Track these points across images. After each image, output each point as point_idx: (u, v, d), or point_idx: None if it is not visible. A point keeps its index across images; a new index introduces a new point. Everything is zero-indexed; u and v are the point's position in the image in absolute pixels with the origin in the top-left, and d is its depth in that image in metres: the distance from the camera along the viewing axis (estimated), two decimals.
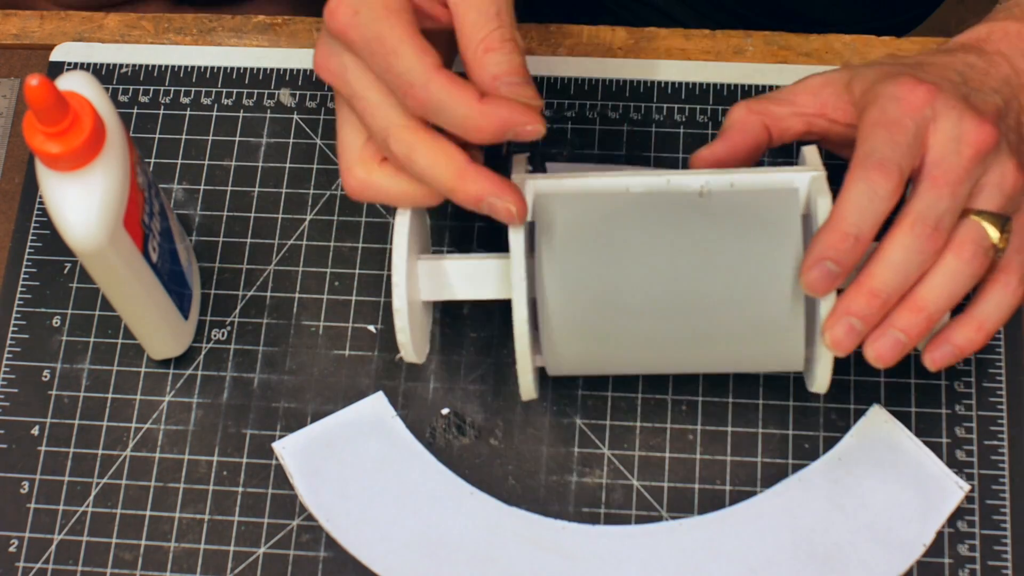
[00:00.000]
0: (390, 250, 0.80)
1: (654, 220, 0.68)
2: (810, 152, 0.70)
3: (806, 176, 0.69)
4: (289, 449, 0.76)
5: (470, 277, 0.72)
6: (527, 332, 0.68)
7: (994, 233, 0.66)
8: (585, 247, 0.68)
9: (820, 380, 0.68)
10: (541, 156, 0.80)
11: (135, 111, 0.84)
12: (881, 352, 0.66)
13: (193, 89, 0.84)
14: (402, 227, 0.69)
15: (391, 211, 0.81)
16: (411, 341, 0.70)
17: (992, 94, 0.68)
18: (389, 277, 0.79)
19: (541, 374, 0.73)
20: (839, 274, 0.65)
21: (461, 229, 0.80)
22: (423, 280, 0.72)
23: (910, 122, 0.65)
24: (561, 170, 0.70)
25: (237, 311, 0.79)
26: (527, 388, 0.70)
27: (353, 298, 0.79)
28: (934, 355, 0.68)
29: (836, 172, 0.69)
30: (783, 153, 0.80)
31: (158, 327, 0.75)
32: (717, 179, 0.69)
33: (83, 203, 0.65)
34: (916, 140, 0.65)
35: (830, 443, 0.74)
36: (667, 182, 0.69)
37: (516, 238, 0.67)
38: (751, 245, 0.67)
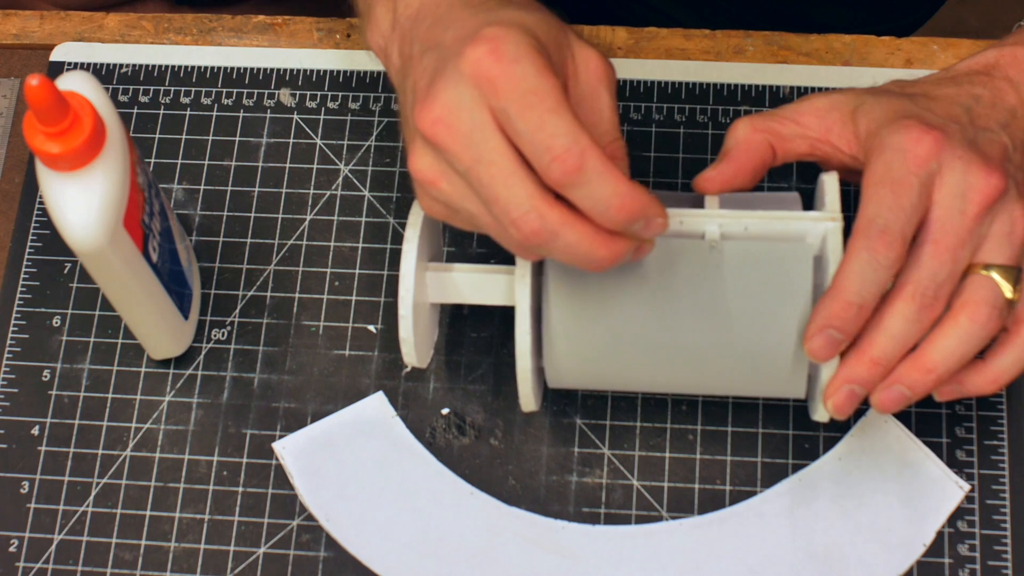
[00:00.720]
0: (393, 250, 0.80)
1: (664, 267, 0.68)
2: (830, 182, 0.69)
3: (820, 227, 0.68)
4: (289, 449, 0.76)
5: (477, 288, 0.72)
6: (529, 360, 0.68)
7: (1007, 289, 0.65)
8: (593, 291, 0.68)
9: (822, 411, 0.69)
10: None
11: (135, 111, 0.84)
12: (885, 403, 0.66)
13: (193, 89, 0.84)
14: (412, 237, 0.70)
15: (391, 211, 0.81)
16: (415, 348, 0.70)
17: (999, 131, 0.67)
18: (389, 277, 0.79)
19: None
20: (842, 341, 0.65)
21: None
22: (431, 287, 0.72)
23: (915, 180, 0.64)
24: None
25: (237, 311, 0.79)
26: (527, 400, 0.70)
27: (353, 298, 0.79)
28: (942, 389, 0.68)
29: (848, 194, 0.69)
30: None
31: (158, 327, 0.75)
32: (731, 223, 0.68)
33: (83, 203, 0.65)
34: (920, 199, 0.64)
35: (830, 443, 0.74)
36: (680, 223, 0.68)
37: (522, 291, 0.68)
38: (759, 297, 0.67)
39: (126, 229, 0.67)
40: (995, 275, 0.65)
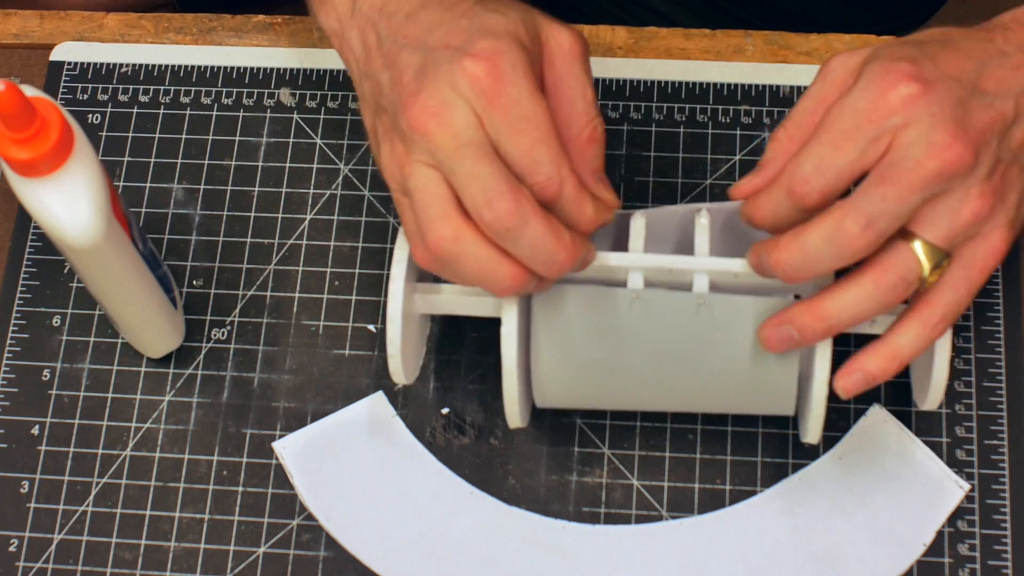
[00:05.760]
0: (392, 250, 0.80)
1: (651, 321, 0.67)
2: None
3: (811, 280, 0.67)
4: (289, 449, 0.76)
5: (466, 306, 0.72)
6: (516, 385, 0.69)
7: (926, 267, 0.62)
8: (579, 339, 0.68)
9: (812, 433, 0.69)
10: None
11: (135, 111, 0.84)
12: (771, 340, 0.65)
13: (193, 89, 0.84)
14: (398, 276, 0.69)
15: (391, 211, 0.81)
16: (402, 368, 0.71)
17: (1004, 99, 0.62)
18: (389, 277, 0.79)
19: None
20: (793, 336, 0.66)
21: None
22: (419, 304, 0.72)
23: (866, 131, 0.61)
24: None
25: (237, 311, 0.79)
26: (514, 417, 0.70)
27: (353, 298, 0.79)
28: (846, 382, 0.66)
29: None
30: None
31: (155, 317, 0.74)
32: (720, 275, 0.68)
33: (72, 201, 0.65)
34: (863, 156, 0.61)
35: (830, 443, 0.74)
36: (668, 272, 0.68)
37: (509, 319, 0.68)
38: (748, 351, 0.67)
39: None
40: (919, 250, 0.62)
